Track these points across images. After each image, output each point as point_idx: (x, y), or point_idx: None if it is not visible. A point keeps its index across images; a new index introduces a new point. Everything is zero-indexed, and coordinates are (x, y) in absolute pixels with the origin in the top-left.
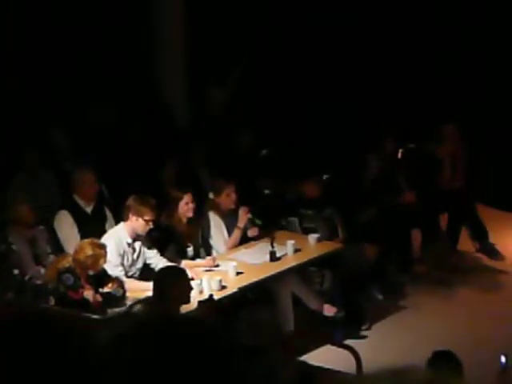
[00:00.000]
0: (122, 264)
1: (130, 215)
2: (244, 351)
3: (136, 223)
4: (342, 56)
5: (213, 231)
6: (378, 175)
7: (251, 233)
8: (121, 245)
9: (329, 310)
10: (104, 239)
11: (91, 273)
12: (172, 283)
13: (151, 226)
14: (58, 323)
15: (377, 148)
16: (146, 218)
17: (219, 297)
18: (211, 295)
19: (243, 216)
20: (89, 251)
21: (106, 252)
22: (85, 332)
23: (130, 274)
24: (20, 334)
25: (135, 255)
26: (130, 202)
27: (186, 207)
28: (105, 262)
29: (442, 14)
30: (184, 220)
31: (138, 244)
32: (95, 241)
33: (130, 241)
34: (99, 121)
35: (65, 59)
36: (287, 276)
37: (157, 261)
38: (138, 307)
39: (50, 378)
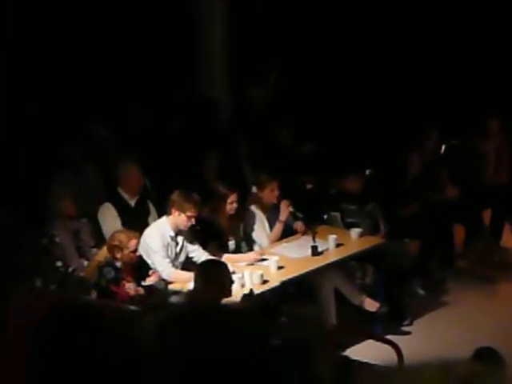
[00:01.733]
0: (166, 255)
1: (173, 210)
2: (284, 345)
3: (178, 218)
4: (384, 51)
5: (255, 225)
6: (420, 171)
7: (298, 227)
8: (164, 238)
9: (371, 305)
10: (148, 232)
11: (128, 259)
12: (213, 276)
13: (193, 222)
14: (100, 314)
15: (419, 144)
16: (189, 213)
17: (260, 291)
18: (252, 290)
19: (285, 209)
20: (120, 235)
21: (137, 236)
22: (127, 323)
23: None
24: (63, 326)
25: (178, 248)
26: (174, 196)
27: (229, 206)
28: (137, 243)
29: (491, 12)
30: (226, 214)
31: (180, 238)
32: (126, 230)
33: (172, 234)
34: (140, 117)
35: (108, 55)
36: (329, 270)
37: (199, 254)
38: (178, 298)
39: (93, 368)
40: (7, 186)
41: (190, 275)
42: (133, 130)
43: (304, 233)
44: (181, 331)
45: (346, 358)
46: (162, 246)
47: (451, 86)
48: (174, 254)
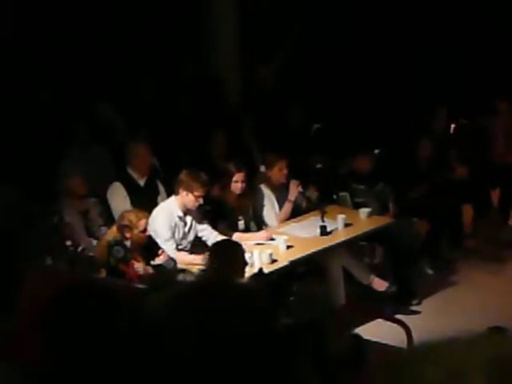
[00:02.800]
0: (173, 237)
1: (181, 190)
2: (296, 323)
3: (186, 198)
4: (393, 28)
5: (264, 205)
6: (429, 150)
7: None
8: (172, 218)
9: (379, 285)
10: (155, 212)
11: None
12: (228, 257)
13: (201, 201)
14: (111, 293)
15: (429, 123)
16: (196, 193)
17: (270, 270)
18: (261, 269)
19: (294, 189)
20: (129, 215)
21: (147, 215)
22: (137, 301)
23: (181, 247)
24: (75, 304)
25: (186, 228)
26: (182, 176)
27: (235, 185)
28: (147, 223)
29: None
30: (236, 193)
31: (189, 218)
32: (135, 209)
33: (181, 214)
34: (148, 96)
35: (117, 33)
36: (338, 250)
37: (208, 234)
38: (188, 277)
39: (104, 345)
40: (17, 164)
41: (195, 258)
42: (141, 109)
43: (311, 212)
44: (190, 308)
45: (358, 336)
46: (169, 227)
47: (461, 64)
48: (182, 233)
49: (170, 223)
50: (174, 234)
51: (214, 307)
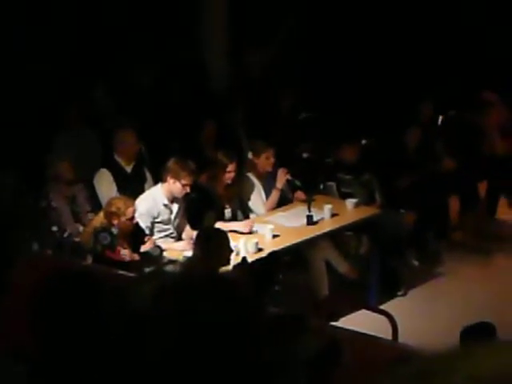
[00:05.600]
0: (152, 225)
1: (169, 178)
2: (275, 316)
3: (173, 186)
4: (382, 19)
5: (251, 193)
6: (417, 141)
7: (298, 196)
8: (155, 206)
9: (353, 273)
10: (138, 201)
11: (121, 225)
12: (213, 245)
13: (188, 190)
14: (96, 279)
15: (416, 114)
16: (184, 182)
17: (255, 259)
18: (244, 258)
19: (282, 177)
20: (117, 202)
21: (133, 203)
22: (122, 288)
23: (166, 233)
24: (59, 290)
25: (173, 216)
26: (170, 164)
27: (228, 175)
28: (134, 211)
29: None
30: (224, 183)
31: (175, 205)
32: (123, 197)
33: (166, 202)
34: (139, 82)
35: (108, 17)
36: (321, 242)
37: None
38: (174, 266)
39: (89, 332)
40: (6, 148)
41: (178, 245)
42: (131, 95)
43: (303, 200)
44: (174, 299)
45: (338, 328)
46: (148, 217)
47: (449, 56)
48: (167, 220)
49: (152, 212)
50: (156, 220)
51: (195, 298)
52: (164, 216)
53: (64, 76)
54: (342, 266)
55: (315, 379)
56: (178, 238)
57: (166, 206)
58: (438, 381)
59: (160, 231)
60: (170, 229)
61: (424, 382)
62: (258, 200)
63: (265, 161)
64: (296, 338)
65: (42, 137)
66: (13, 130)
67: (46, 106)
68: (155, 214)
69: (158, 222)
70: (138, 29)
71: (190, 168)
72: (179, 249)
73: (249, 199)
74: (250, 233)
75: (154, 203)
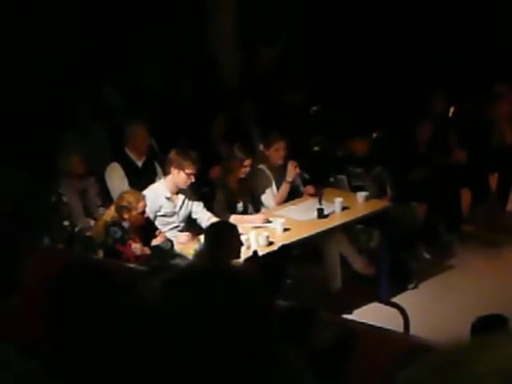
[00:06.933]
0: (155, 219)
1: (172, 168)
2: (285, 309)
3: (178, 177)
4: (393, 11)
5: (263, 187)
6: (428, 134)
7: (307, 190)
8: (157, 201)
9: (368, 269)
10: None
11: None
12: (223, 238)
13: (193, 179)
14: (107, 273)
15: (427, 106)
16: (188, 171)
17: (266, 252)
18: (255, 251)
19: (292, 170)
20: (129, 196)
21: (144, 197)
22: (133, 282)
23: (171, 225)
24: (71, 285)
25: (177, 208)
26: (172, 155)
27: (244, 169)
28: (145, 205)
29: None
30: (238, 177)
31: (180, 197)
32: (135, 191)
33: (168, 195)
34: (149, 77)
35: (118, 14)
36: (336, 234)
37: (202, 215)
38: (184, 260)
39: (101, 326)
40: (17, 144)
41: (189, 238)
42: (142, 90)
43: (312, 195)
44: (184, 292)
45: (351, 321)
46: (150, 212)
47: (460, 48)
48: (170, 213)
49: (152, 206)
50: (158, 215)
51: (205, 291)
52: (167, 209)
53: (74, 72)
54: (358, 263)
55: (329, 370)
56: (187, 230)
57: (168, 199)
58: (461, 372)
59: (164, 224)
60: (175, 221)
61: (447, 373)
62: (268, 193)
63: (275, 153)
64: (306, 330)
65: (53, 132)
66: (24, 126)
67: (56, 103)
68: (157, 208)
69: (161, 216)
70: (148, 24)
71: (192, 157)
72: (190, 242)
73: (263, 192)
74: (263, 226)
75: (155, 197)
